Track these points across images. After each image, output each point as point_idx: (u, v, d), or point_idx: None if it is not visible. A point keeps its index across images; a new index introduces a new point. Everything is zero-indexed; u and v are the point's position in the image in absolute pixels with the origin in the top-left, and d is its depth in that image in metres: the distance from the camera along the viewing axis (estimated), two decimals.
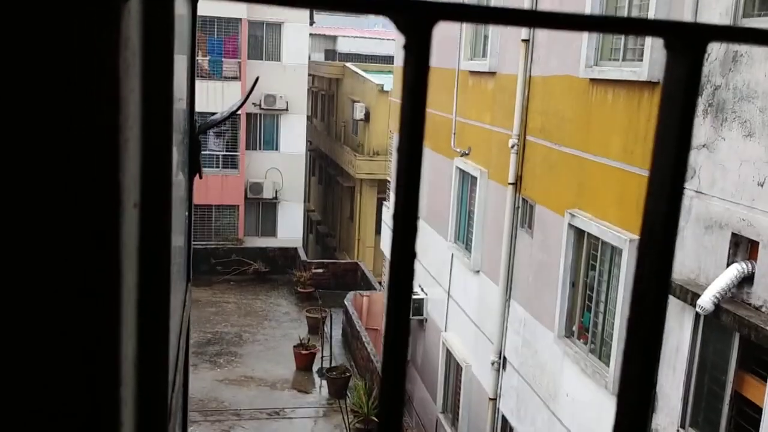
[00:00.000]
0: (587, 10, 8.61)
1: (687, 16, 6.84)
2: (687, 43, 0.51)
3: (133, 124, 0.57)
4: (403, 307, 0.51)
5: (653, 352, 0.53)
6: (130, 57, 0.52)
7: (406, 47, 0.48)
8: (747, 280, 6.04)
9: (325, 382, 17.21)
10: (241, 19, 25.64)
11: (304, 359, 17.99)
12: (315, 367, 18.08)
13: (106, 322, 0.51)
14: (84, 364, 0.49)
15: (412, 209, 0.48)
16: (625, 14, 8.13)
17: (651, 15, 7.40)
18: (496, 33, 11.47)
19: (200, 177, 1.55)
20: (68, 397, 0.49)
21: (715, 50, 6.54)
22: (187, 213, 1.51)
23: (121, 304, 0.51)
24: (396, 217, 0.50)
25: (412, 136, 0.51)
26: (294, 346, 18.23)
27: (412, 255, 0.51)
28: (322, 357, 17.90)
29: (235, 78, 25.82)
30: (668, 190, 0.52)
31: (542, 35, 10.04)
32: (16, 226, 0.48)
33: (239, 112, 25.66)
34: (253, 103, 26.39)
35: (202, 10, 26.40)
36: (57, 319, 0.49)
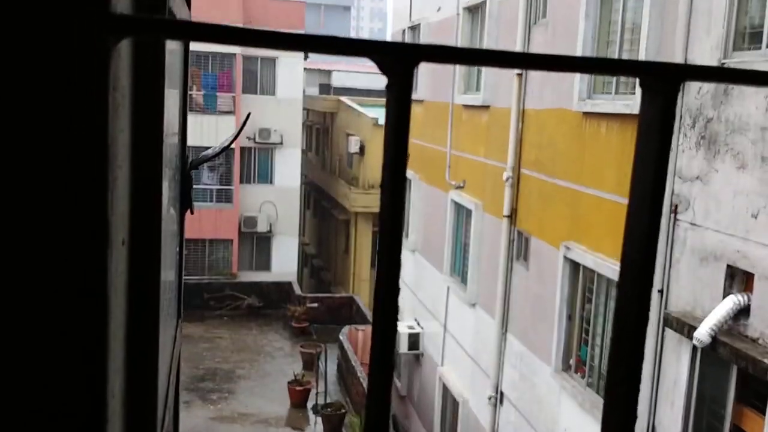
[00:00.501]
0: (579, 45, 8.73)
1: (678, 50, 6.94)
2: (661, 82, 0.52)
3: (122, 162, 0.58)
4: (388, 346, 0.52)
5: (636, 370, 0.53)
6: (120, 98, 0.54)
7: (388, 87, 0.50)
8: (743, 312, 6.03)
9: (320, 419, 16.99)
10: (235, 54, 25.90)
11: (299, 396, 17.80)
12: (310, 404, 17.87)
13: (91, 358, 0.51)
14: (68, 402, 0.50)
15: (395, 246, 0.49)
16: (617, 47, 8.25)
17: (642, 48, 7.51)
18: (490, 67, 11.60)
19: (191, 212, 1.56)
20: None
21: (706, 83, 6.63)
22: (178, 249, 1.51)
23: (108, 341, 0.51)
24: (380, 254, 0.51)
25: (395, 172, 0.52)
26: (288, 382, 18.04)
27: (396, 289, 0.52)
28: (317, 393, 17.71)
29: (229, 112, 25.97)
30: (646, 225, 0.53)
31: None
32: (13, 329, 0.48)
33: (233, 146, 25.76)
34: (248, 137, 26.51)
35: (197, 45, 26.71)
36: (41, 357, 0.50)
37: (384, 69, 0.49)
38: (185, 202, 1.47)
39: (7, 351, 0.50)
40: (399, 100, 0.49)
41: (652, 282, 0.55)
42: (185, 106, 1.70)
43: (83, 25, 0.43)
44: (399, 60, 0.48)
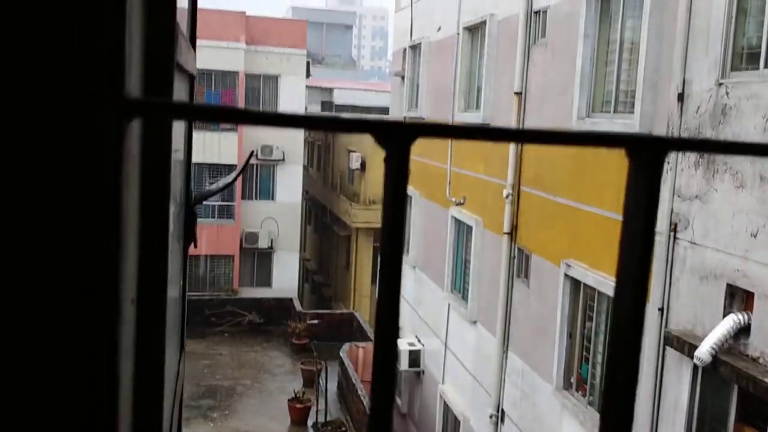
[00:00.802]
0: (578, 64, 8.79)
1: (676, 69, 6.99)
2: (647, 154, 0.55)
3: (131, 227, 0.60)
4: (389, 364, 0.54)
5: (632, 383, 0.55)
6: (131, 169, 0.56)
7: (386, 160, 0.52)
8: (744, 330, 6.03)
9: None
10: (238, 72, 26.04)
11: (299, 413, 17.73)
12: (310, 422, 17.79)
13: (101, 418, 0.53)
14: None
15: (393, 312, 0.52)
16: (616, 66, 8.30)
17: (641, 67, 7.55)
18: (489, 85, 11.68)
19: (195, 246, 1.58)
20: None
21: (704, 102, 6.67)
22: (181, 282, 1.54)
23: (118, 403, 0.54)
24: (378, 321, 0.53)
25: (393, 238, 0.54)
26: (289, 400, 17.98)
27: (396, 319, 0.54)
28: (317, 411, 17.64)
29: (232, 129, 26.07)
30: (632, 300, 0.55)
31: (535, 87, 10.22)
32: (13, 329, 0.51)
33: (235, 161, 25.83)
34: (252, 154, 26.54)
35: (200, 63, 26.73)
36: (53, 412, 0.52)
37: (382, 144, 0.52)
38: (188, 237, 1.50)
39: (23, 399, 0.52)
40: (396, 173, 0.52)
41: (640, 350, 0.57)
42: (190, 138, 1.73)
43: (99, 109, 0.46)
44: (397, 137, 0.51)
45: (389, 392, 0.53)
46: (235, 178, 2.39)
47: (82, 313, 0.48)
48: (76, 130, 0.47)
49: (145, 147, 0.64)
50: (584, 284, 8.73)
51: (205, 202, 26.41)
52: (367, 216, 25.82)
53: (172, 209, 1.37)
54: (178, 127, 1.46)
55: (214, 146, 25.43)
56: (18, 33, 0.45)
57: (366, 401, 16.48)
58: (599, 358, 8.49)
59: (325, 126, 0.51)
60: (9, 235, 0.47)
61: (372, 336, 21.50)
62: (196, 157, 24.57)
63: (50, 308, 0.48)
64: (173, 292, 1.33)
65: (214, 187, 2.34)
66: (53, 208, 0.48)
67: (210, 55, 24.93)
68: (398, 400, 16.15)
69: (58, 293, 0.48)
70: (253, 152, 3.24)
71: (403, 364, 14.65)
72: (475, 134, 0.52)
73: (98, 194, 0.49)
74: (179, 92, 1.29)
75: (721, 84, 6.43)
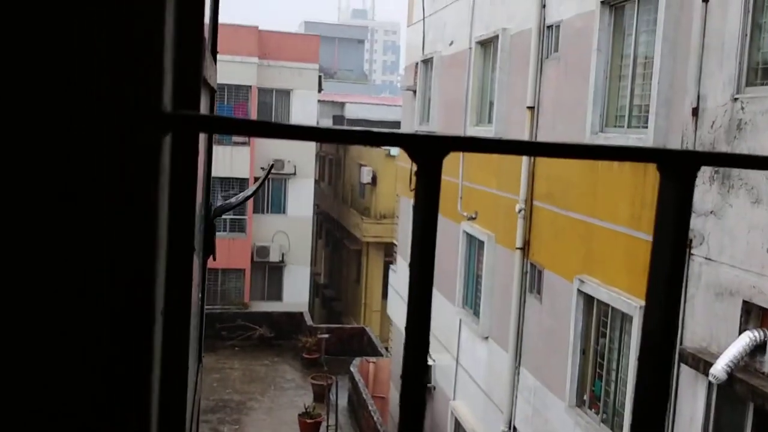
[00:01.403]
0: (591, 79, 8.78)
1: (690, 84, 6.97)
2: (678, 168, 0.55)
3: (162, 239, 0.60)
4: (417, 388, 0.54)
5: (662, 408, 0.55)
6: (164, 181, 0.57)
7: (418, 173, 0.53)
8: (760, 348, 5.97)
9: None
10: (251, 86, 26.20)
11: (310, 428, 17.65)
12: None
13: (137, 425, 0.53)
14: None
15: (424, 321, 0.52)
16: (629, 81, 8.29)
17: (654, 82, 7.54)
18: (501, 99, 11.69)
19: (214, 259, 1.59)
20: None
21: (719, 117, 6.64)
22: (200, 295, 1.54)
23: (150, 412, 0.54)
24: (408, 331, 0.53)
25: (424, 252, 0.54)
26: (299, 415, 17.92)
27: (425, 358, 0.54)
28: (327, 426, 17.57)
29: (244, 143, 26.21)
30: (663, 315, 0.55)
31: (547, 102, 10.22)
32: (50, 339, 0.51)
33: (247, 176, 25.94)
34: (262, 168, 26.67)
35: None
36: (89, 419, 0.52)
37: (414, 157, 0.52)
38: (208, 249, 1.51)
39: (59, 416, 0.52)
40: (428, 187, 0.52)
41: (672, 367, 0.57)
42: (210, 152, 1.74)
43: (137, 123, 0.47)
44: (429, 150, 0.51)
45: (419, 404, 0.53)
46: (256, 191, 2.40)
47: (118, 323, 0.49)
48: (118, 143, 0.47)
49: (174, 160, 0.65)
50: (597, 300, 8.68)
51: None
52: (377, 230, 25.81)
53: (195, 223, 1.38)
54: (200, 142, 1.47)
55: (227, 160, 25.55)
56: (59, 50, 0.45)
57: (376, 417, 16.40)
58: (613, 375, 8.41)
59: (358, 140, 0.51)
60: (53, 248, 0.47)
61: (382, 351, 21.43)
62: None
63: (92, 320, 0.48)
64: (193, 305, 1.34)
65: (233, 200, 2.34)
66: (95, 222, 0.48)
67: (223, 69, 25.04)
68: None
69: (99, 305, 0.48)
70: (272, 164, 3.26)
71: None
72: (508, 148, 0.52)
73: (138, 208, 0.49)
74: (203, 106, 1.30)
75: (736, 99, 6.41)
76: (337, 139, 0.51)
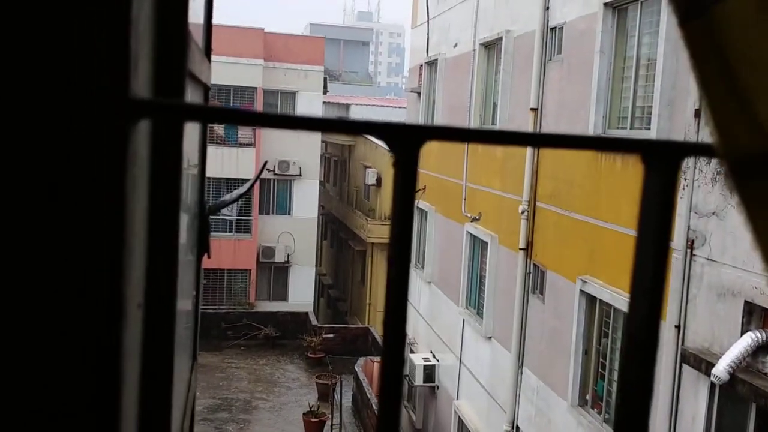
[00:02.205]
0: (594, 81, 8.77)
1: (693, 87, 6.95)
2: (662, 159, 0.54)
3: (138, 231, 0.60)
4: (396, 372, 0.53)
5: (647, 394, 0.54)
6: (138, 173, 0.56)
7: (395, 164, 0.52)
8: (762, 348, 5.95)
9: None
10: (256, 87, 26.24)
11: (314, 427, 17.67)
12: None
13: (103, 420, 0.52)
14: None
15: (400, 321, 0.51)
16: (632, 83, 8.27)
17: (657, 83, 7.52)
18: (505, 100, 11.67)
19: (209, 256, 1.59)
20: None
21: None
22: (195, 293, 1.53)
23: (121, 407, 0.53)
24: (385, 326, 0.52)
25: (401, 245, 0.53)
26: (303, 414, 17.93)
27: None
28: (332, 425, 17.58)
29: (249, 145, 26.25)
30: (648, 302, 0.54)
31: (551, 103, 10.20)
32: (15, 332, 0.50)
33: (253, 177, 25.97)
34: (267, 169, 26.73)
35: (218, 79, 26.84)
36: (52, 413, 0.51)
37: (392, 147, 0.51)
38: (203, 247, 1.50)
39: (23, 411, 0.51)
40: (405, 177, 0.51)
41: (655, 364, 0.56)
42: (205, 149, 1.73)
43: (102, 107, 0.46)
44: (406, 140, 0.50)
45: (396, 396, 0.52)
46: (249, 188, 2.40)
47: (84, 313, 0.48)
48: (79, 129, 0.47)
49: (156, 151, 0.64)
50: (600, 300, 8.66)
51: (222, 217, 26.57)
52: (382, 231, 25.80)
53: (186, 219, 1.37)
54: (192, 138, 1.47)
55: (232, 161, 25.59)
56: (17, 32, 0.45)
57: None
58: (615, 375, 8.39)
59: (333, 128, 0.51)
60: (9, 236, 0.47)
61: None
62: (215, 172, 24.81)
63: (51, 308, 0.48)
64: (186, 301, 1.33)
65: (228, 197, 2.34)
66: (55, 208, 0.48)
67: (229, 71, 25.15)
68: (413, 416, 16.04)
69: (59, 294, 0.48)
70: (266, 163, 3.27)
71: (418, 379, 14.58)
72: (485, 138, 0.52)
73: (101, 193, 0.49)
74: (195, 101, 1.29)
75: None
76: (312, 127, 0.50)
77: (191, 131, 1.32)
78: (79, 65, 0.45)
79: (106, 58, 0.46)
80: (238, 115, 0.48)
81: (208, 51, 1.49)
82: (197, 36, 1.28)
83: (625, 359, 0.59)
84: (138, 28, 0.52)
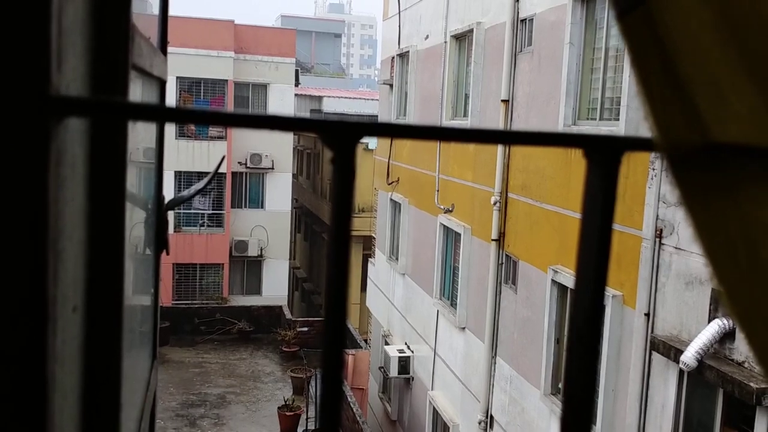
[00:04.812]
0: (564, 72, 8.82)
1: None
2: (603, 153, 0.53)
3: (72, 231, 0.58)
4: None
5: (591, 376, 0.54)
6: (68, 170, 0.54)
7: (332, 161, 0.51)
8: (729, 335, 6.05)
9: None
10: (227, 80, 26.01)
11: (289, 421, 17.65)
12: (300, 429, 17.71)
13: (30, 424, 0.51)
14: None
15: (339, 317, 0.50)
16: (601, 74, 8.33)
17: (626, 74, 7.59)
18: (476, 92, 11.70)
19: (167, 254, 1.56)
20: None
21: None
22: (153, 289, 1.51)
23: (48, 410, 0.51)
24: (326, 323, 0.51)
25: (339, 241, 0.53)
26: (278, 408, 17.90)
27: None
28: (307, 418, 17.57)
29: (220, 138, 26.02)
30: (591, 291, 0.54)
31: (522, 95, 10.25)
32: None
33: (224, 171, 25.78)
34: (239, 162, 26.56)
35: (189, 71, 26.52)
36: None
37: (329, 144, 0.50)
38: (160, 244, 1.48)
39: None
40: (342, 173, 0.50)
41: (599, 355, 0.56)
42: (162, 142, 1.70)
43: (19, 108, 0.44)
44: (341, 136, 0.50)
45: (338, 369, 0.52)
46: (207, 183, 2.37)
47: (4, 322, 0.46)
48: None
49: (95, 149, 0.62)
50: (571, 290, 8.70)
51: (194, 211, 26.34)
52: (356, 224, 25.75)
53: (143, 215, 1.34)
54: (148, 133, 1.44)
55: (203, 155, 25.37)
56: None
57: (355, 408, 16.42)
58: None
59: (270, 125, 0.50)
60: None
61: (361, 343, 21.48)
62: (186, 166, 24.56)
63: None
64: (142, 299, 1.31)
65: (186, 193, 2.32)
66: None
67: (199, 63, 24.90)
68: (388, 407, 16.09)
69: None
70: (224, 157, 3.24)
71: (393, 370, 14.62)
72: (418, 133, 0.51)
73: (19, 193, 0.47)
74: (147, 96, 1.27)
75: None
76: (248, 124, 0.49)
77: (146, 126, 1.30)
78: None
79: (23, 54, 0.44)
80: (166, 112, 0.47)
81: (163, 44, 1.46)
82: (150, 29, 1.26)
83: (570, 351, 0.58)
84: (63, 21, 0.50)
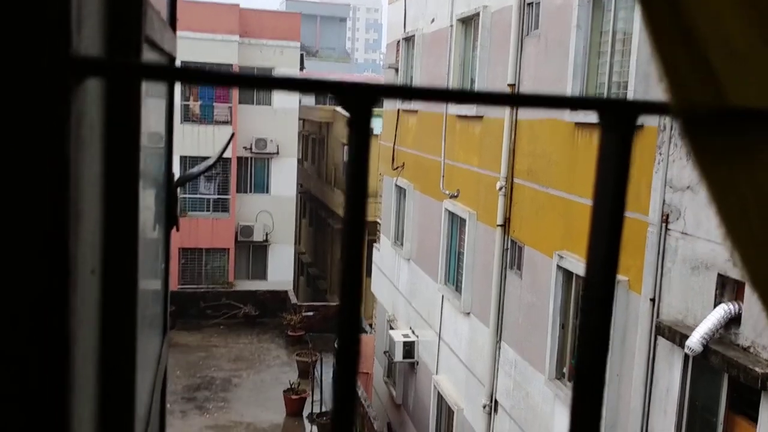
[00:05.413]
0: (570, 55, 8.77)
1: None
2: (618, 118, 0.54)
3: (91, 195, 0.59)
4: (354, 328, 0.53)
5: (602, 356, 0.55)
6: (86, 132, 0.55)
7: (349, 123, 0.51)
8: (734, 320, 6.05)
9: (315, 428, 16.95)
10: (232, 65, 25.95)
11: (295, 404, 17.76)
12: (305, 412, 17.83)
13: (53, 386, 0.51)
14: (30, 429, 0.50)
15: (356, 279, 0.50)
16: (608, 57, 8.29)
17: (633, 58, 7.54)
18: (483, 76, 11.66)
19: (177, 230, 1.57)
20: None
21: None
22: (163, 265, 1.52)
23: (70, 370, 0.52)
24: (342, 284, 0.52)
25: (355, 203, 0.53)
26: (284, 391, 18.01)
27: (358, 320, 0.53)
28: (312, 402, 17.68)
29: (226, 122, 26.01)
30: (604, 267, 0.55)
31: (528, 78, 10.20)
32: None
33: (230, 156, 25.79)
34: (244, 147, 26.55)
35: (193, 56, 26.47)
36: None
37: (345, 106, 0.51)
38: (171, 219, 1.48)
39: None
40: (359, 136, 0.51)
41: (610, 330, 0.56)
42: (171, 121, 1.71)
43: (43, 68, 0.45)
44: (359, 97, 0.50)
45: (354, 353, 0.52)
46: (217, 160, 2.38)
47: (26, 272, 0.47)
48: (19, 86, 0.45)
49: (110, 114, 0.63)
50: (576, 275, 8.74)
51: (200, 196, 26.38)
52: None
53: (153, 190, 1.35)
54: (158, 111, 1.45)
55: (209, 139, 25.37)
56: None
57: (360, 391, 16.52)
58: None
59: (286, 86, 0.50)
60: None
61: (366, 328, 21.54)
62: (191, 150, 24.57)
63: None
64: (153, 273, 1.32)
65: (195, 170, 2.33)
66: None
67: (203, 47, 24.84)
68: (393, 391, 16.17)
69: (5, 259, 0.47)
70: (233, 134, 3.24)
71: (398, 355, 14.68)
72: (436, 96, 0.51)
73: (42, 151, 0.47)
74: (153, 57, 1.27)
75: None
76: (263, 85, 0.49)
77: (156, 104, 1.30)
78: (17, 22, 0.44)
79: (47, 16, 0.45)
80: (182, 73, 0.47)
81: (173, 21, 1.46)
82: (160, 5, 1.26)
83: (584, 313, 0.59)
84: None
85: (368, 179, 0.53)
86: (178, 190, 1.61)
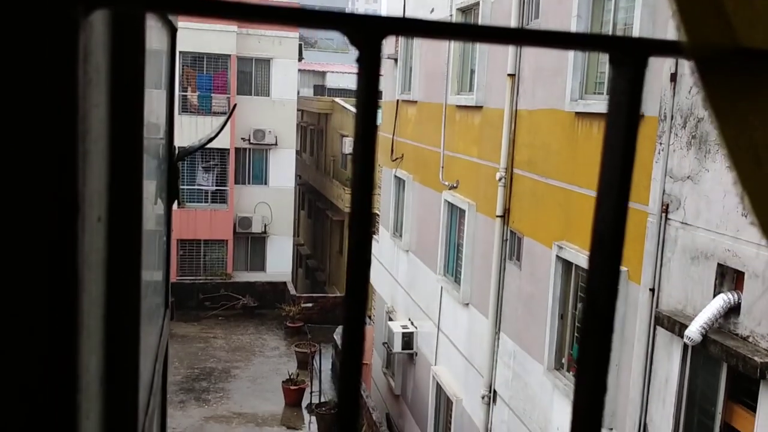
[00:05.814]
0: (570, 60, 8.73)
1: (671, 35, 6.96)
2: (629, 56, 0.53)
3: (97, 138, 0.58)
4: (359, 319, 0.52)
5: (606, 348, 0.54)
6: (93, 72, 0.54)
7: (358, 60, 0.51)
8: (734, 310, 6.06)
9: (314, 418, 16.99)
10: (230, 55, 25.88)
11: (293, 395, 17.80)
12: (304, 403, 17.87)
13: (62, 332, 0.51)
14: (40, 371, 0.50)
15: (365, 220, 0.50)
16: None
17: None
18: (482, 68, 11.63)
19: (179, 205, 1.56)
20: (22, 403, 0.50)
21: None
22: (165, 238, 1.52)
23: (78, 314, 0.52)
24: (351, 227, 0.51)
25: (365, 145, 0.52)
26: (283, 382, 18.05)
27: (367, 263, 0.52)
28: (311, 392, 17.71)
29: (224, 113, 25.93)
30: (614, 204, 0.54)
31: (528, 69, 10.18)
32: None
33: (228, 147, 25.74)
34: (242, 138, 26.51)
35: (192, 46, 26.37)
36: (10, 330, 0.50)
37: (353, 42, 0.50)
38: (172, 193, 1.48)
39: None
40: (368, 73, 0.50)
41: (621, 260, 0.56)
42: (172, 100, 1.70)
43: None
44: (368, 33, 0.49)
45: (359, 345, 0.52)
46: (218, 133, 2.38)
47: (34, 206, 0.46)
48: (22, 22, 0.45)
49: (114, 54, 0.62)
50: (576, 265, 8.75)
51: (198, 187, 26.34)
52: None
53: (155, 163, 1.35)
54: (158, 96, 1.44)
55: (207, 130, 25.30)
56: None
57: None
58: None
59: (291, 20, 0.49)
60: None
61: (365, 319, 21.61)
62: (189, 141, 24.53)
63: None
64: (156, 244, 1.32)
65: (196, 143, 2.32)
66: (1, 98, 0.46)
67: (202, 38, 24.76)
68: (392, 382, 16.21)
69: (8, 187, 0.46)
70: (235, 105, 3.24)
71: (397, 346, 14.70)
72: (449, 32, 0.51)
73: (50, 92, 0.47)
74: (159, 41, 1.26)
75: None
76: (264, 18, 0.48)
77: (157, 94, 1.29)
78: None
79: None
80: (185, 3, 0.46)
81: None
82: None
83: (591, 269, 0.58)
84: None
85: (377, 122, 0.52)
86: (179, 165, 1.61)
